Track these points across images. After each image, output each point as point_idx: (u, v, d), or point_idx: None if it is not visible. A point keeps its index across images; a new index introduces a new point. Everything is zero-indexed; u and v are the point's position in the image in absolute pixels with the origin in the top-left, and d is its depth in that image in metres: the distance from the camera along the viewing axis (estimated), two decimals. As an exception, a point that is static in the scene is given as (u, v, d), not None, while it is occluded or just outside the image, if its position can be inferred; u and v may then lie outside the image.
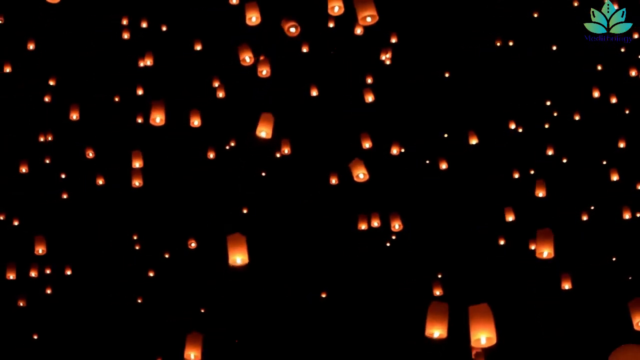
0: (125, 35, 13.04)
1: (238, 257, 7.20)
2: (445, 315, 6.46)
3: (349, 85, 14.07)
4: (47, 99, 13.95)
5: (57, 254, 15.50)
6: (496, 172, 15.42)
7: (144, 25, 13.69)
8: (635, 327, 7.75)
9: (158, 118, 10.08)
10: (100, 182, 13.87)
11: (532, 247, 13.82)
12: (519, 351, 14.92)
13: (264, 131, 8.96)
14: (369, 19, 7.01)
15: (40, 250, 12.69)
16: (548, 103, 15.67)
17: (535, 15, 14.67)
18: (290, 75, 14.91)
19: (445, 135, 16.06)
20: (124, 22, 13.21)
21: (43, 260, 14.72)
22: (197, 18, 14.12)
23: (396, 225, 12.73)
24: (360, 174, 10.62)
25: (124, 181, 12.42)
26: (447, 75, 15.75)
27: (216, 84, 12.62)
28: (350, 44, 14.40)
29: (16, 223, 14.60)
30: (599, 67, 14.63)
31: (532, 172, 14.53)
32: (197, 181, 16.52)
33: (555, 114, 15.48)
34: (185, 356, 8.15)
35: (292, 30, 9.71)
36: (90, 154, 14.05)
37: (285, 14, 10.17)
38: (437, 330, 6.40)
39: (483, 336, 6.18)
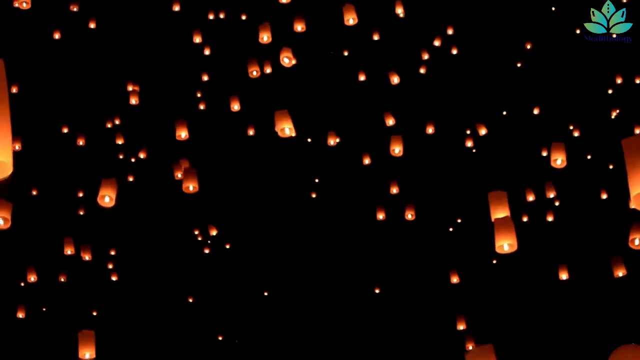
0: (176, 7, 13.05)
1: (287, 127, 8.45)
2: (511, 226, 6.99)
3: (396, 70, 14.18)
4: (133, 101, 13.70)
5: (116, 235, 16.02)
6: (523, 151, 15.48)
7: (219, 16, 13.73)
8: (630, 245, 8.38)
9: (183, 134, 10.97)
10: (143, 155, 14.01)
11: (550, 219, 14.39)
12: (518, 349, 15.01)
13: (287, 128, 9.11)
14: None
15: (69, 251, 13.14)
16: (611, 90, 15.24)
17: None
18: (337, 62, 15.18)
19: (504, 113, 15.99)
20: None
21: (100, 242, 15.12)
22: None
23: (409, 215, 13.13)
24: (397, 149, 11.48)
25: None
26: (519, 65, 15.64)
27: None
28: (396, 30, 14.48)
29: (80, 195, 14.75)
30: None
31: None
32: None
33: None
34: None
35: (286, 60, 10.59)
36: (120, 142, 14.03)
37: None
38: (506, 242, 6.98)
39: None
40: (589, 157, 15.76)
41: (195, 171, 9.81)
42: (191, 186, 9.74)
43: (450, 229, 16.40)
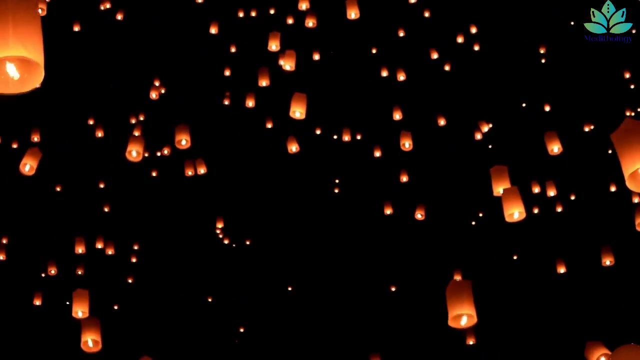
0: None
1: (298, 111, 8.86)
2: (518, 196, 7.17)
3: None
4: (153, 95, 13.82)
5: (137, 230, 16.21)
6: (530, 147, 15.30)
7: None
8: (637, 228, 8.43)
9: (183, 141, 10.79)
10: (167, 151, 13.87)
11: (559, 209, 14.47)
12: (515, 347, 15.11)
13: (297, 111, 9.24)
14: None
15: (80, 250, 13.25)
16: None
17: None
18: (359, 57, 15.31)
19: (524, 105, 16.05)
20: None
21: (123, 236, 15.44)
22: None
23: (419, 215, 13.24)
24: (407, 143, 11.72)
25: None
26: (543, 61, 15.78)
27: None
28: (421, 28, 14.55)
29: (102, 185, 14.85)
30: None
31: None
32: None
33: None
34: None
35: (287, 67, 10.73)
36: (137, 133, 13.70)
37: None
38: (516, 210, 7.18)
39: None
40: (610, 151, 15.92)
41: (188, 127, 9.85)
42: (183, 140, 9.88)
43: (473, 223, 16.51)
